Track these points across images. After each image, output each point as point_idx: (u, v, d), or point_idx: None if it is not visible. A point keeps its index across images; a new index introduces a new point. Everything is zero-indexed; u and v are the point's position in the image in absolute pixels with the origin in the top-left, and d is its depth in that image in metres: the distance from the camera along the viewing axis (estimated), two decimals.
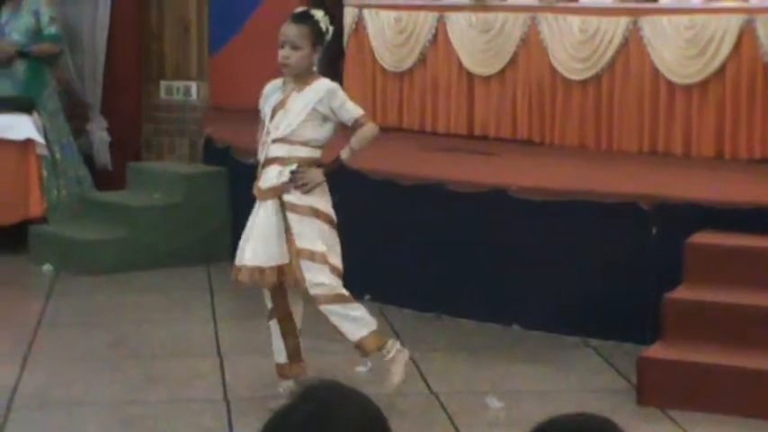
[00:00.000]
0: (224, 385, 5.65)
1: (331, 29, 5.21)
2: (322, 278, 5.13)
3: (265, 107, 5.24)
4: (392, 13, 8.29)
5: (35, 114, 8.24)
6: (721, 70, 7.10)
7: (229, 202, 8.01)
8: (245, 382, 5.73)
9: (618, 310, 6.12)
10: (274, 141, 5.14)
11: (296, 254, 5.10)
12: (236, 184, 8.01)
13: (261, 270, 5.16)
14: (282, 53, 5.16)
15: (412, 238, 6.78)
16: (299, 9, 5.46)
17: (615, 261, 6.14)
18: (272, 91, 5.27)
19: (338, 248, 5.22)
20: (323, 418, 1.66)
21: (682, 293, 5.65)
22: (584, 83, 7.55)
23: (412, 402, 5.30)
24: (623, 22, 7.37)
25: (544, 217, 6.35)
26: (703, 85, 7.17)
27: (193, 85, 9.50)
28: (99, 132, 9.27)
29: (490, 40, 7.88)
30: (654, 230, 6.05)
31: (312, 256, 5.12)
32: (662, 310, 5.58)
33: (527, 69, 7.77)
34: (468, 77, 7.96)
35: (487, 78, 7.91)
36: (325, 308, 5.19)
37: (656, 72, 7.29)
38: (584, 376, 5.75)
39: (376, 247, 6.88)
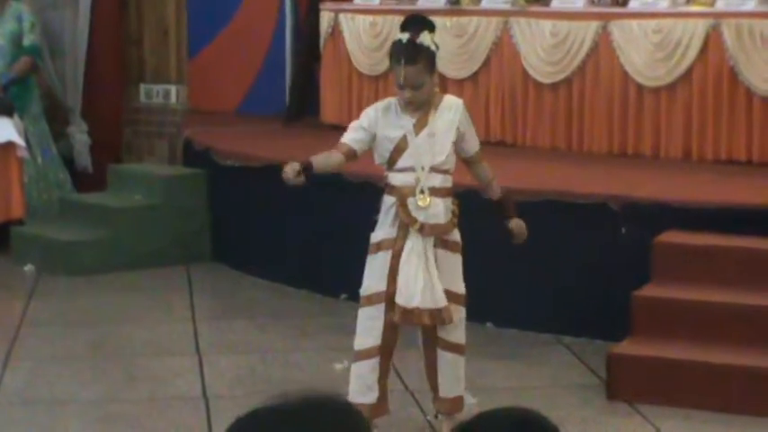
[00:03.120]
0: (203, 383, 5.67)
1: (437, 43, 4.78)
2: (458, 323, 4.81)
3: (385, 131, 4.74)
4: (368, 18, 8.31)
5: (16, 117, 8.23)
6: (688, 73, 7.15)
7: (208, 204, 8.02)
8: (224, 379, 5.74)
9: (589, 308, 6.16)
10: (431, 170, 4.70)
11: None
12: (215, 186, 8.02)
13: (418, 311, 4.71)
14: (406, 96, 4.68)
15: None
16: (405, 40, 4.72)
17: (586, 260, 6.18)
18: (386, 111, 4.78)
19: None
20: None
21: (650, 291, 5.69)
22: (555, 86, 7.59)
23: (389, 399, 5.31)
24: (593, 26, 7.42)
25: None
26: (671, 87, 7.21)
27: (172, 89, 9.51)
28: (79, 135, 9.26)
29: (464, 43, 7.91)
30: (623, 230, 6.10)
31: (454, 297, 4.77)
32: (631, 307, 5.62)
33: (500, 72, 7.80)
34: (442, 80, 7.96)
35: (461, 81, 7.93)
36: (443, 353, 4.84)
37: (625, 75, 7.33)
38: (556, 372, 5.79)
39: (352, 247, 6.89)
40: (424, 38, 4.69)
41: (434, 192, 4.73)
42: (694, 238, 5.84)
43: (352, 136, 4.79)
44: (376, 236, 4.84)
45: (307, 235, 7.27)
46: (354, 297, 6.85)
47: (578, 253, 6.21)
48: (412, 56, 4.67)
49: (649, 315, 5.58)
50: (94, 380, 5.75)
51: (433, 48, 4.71)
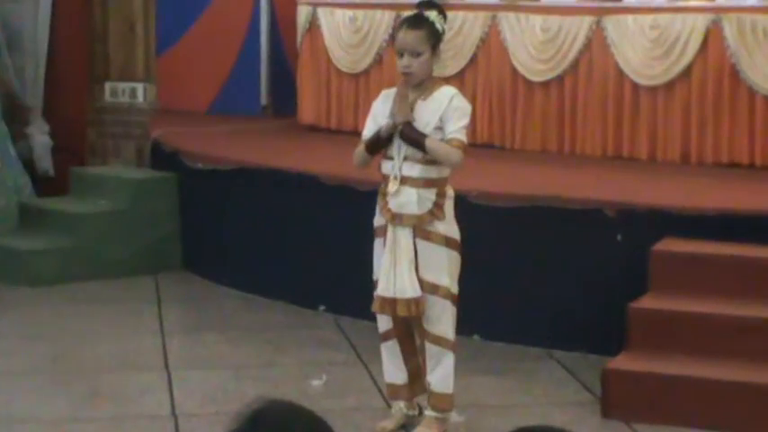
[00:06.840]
0: (172, 400, 5.64)
1: (445, 28, 5.03)
2: (441, 316, 5.00)
3: (381, 119, 5.00)
4: (348, 12, 8.30)
5: None
6: (687, 71, 7.16)
7: (178, 209, 8.00)
8: (194, 397, 5.72)
9: (582, 320, 6.15)
10: (405, 159, 4.93)
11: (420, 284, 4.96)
12: (185, 190, 8.00)
13: (394, 301, 4.98)
14: (403, 62, 4.92)
15: (369, 247, 6.78)
16: (412, 13, 5.09)
17: (579, 269, 6.18)
18: (386, 99, 5.05)
19: (457, 274, 5.06)
20: None
21: (647, 303, 5.69)
22: (546, 84, 7.60)
23: (370, 416, 5.31)
24: (586, 21, 7.43)
25: (505, 224, 6.37)
26: (669, 86, 7.23)
27: (140, 87, 9.47)
28: (40, 136, 9.22)
29: (449, 40, 7.88)
30: (618, 237, 6.10)
31: (435, 289, 4.97)
32: (627, 319, 5.61)
33: (487, 70, 7.80)
34: None
35: (446, 79, 7.89)
36: (429, 346, 5.04)
37: (620, 73, 7.34)
38: (547, 389, 5.78)
39: (331, 257, 6.88)
40: (431, 13, 4.98)
41: (411, 181, 4.95)
42: (694, 246, 5.84)
43: (366, 130, 5.10)
44: (374, 221, 5.12)
45: (283, 242, 7.25)
46: (333, 309, 6.85)
47: (571, 262, 6.20)
48: (416, 22, 4.97)
49: (646, 328, 5.57)
50: (55, 397, 5.72)
51: (438, 25, 4.96)
